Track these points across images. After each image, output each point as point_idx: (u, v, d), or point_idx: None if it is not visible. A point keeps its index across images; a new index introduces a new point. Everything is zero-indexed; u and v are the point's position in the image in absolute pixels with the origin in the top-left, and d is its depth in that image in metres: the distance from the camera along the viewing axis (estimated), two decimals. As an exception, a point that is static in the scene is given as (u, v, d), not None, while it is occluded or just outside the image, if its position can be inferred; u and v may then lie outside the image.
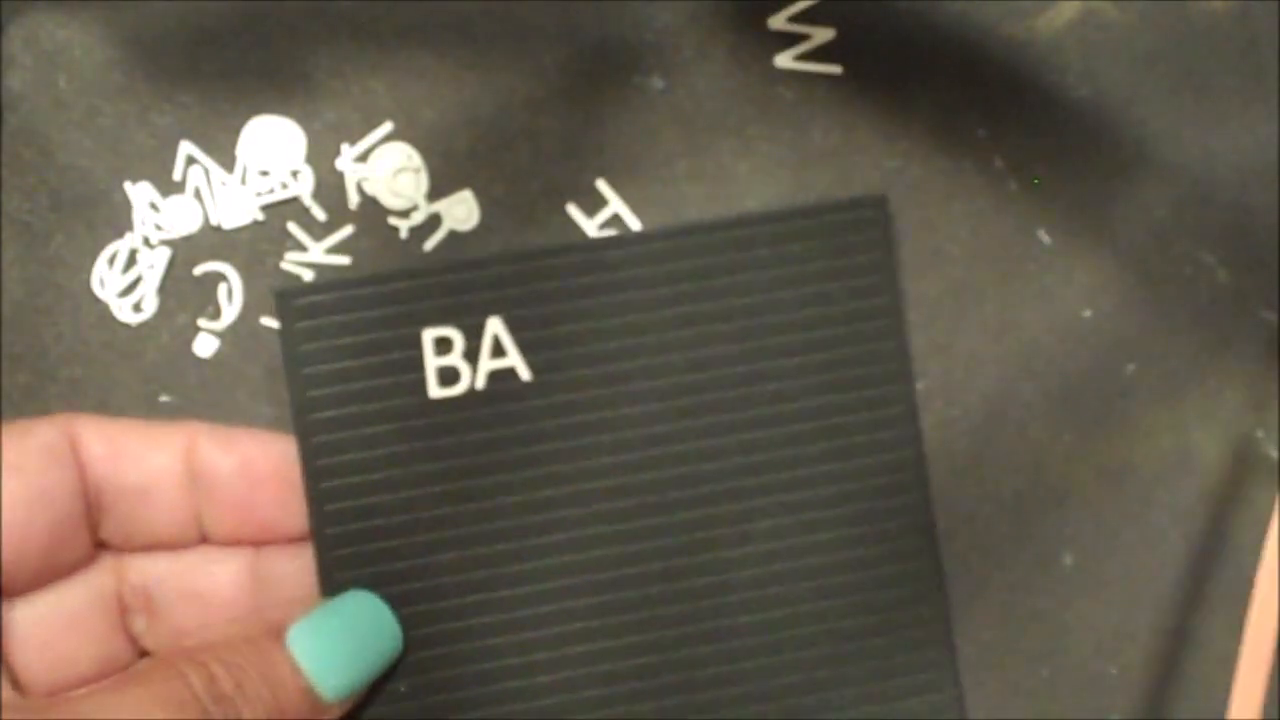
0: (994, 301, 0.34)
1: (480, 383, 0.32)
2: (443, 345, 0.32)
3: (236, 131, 0.34)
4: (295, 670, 0.27)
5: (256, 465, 0.30)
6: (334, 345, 0.31)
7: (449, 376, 0.32)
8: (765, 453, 0.32)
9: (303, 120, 0.34)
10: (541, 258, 0.32)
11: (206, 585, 0.30)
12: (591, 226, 0.34)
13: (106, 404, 0.33)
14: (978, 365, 0.34)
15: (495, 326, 0.32)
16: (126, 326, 0.33)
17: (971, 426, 0.34)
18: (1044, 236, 0.34)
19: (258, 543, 0.30)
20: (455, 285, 0.32)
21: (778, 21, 0.34)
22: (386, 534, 0.31)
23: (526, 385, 0.32)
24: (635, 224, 0.34)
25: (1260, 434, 0.34)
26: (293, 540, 0.30)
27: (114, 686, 0.25)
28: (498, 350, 0.32)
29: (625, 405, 0.32)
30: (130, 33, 0.34)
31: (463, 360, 0.32)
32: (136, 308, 0.34)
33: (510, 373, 0.32)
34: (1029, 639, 0.33)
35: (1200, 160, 0.34)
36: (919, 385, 0.34)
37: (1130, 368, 0.34)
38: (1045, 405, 0.34)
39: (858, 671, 0.32)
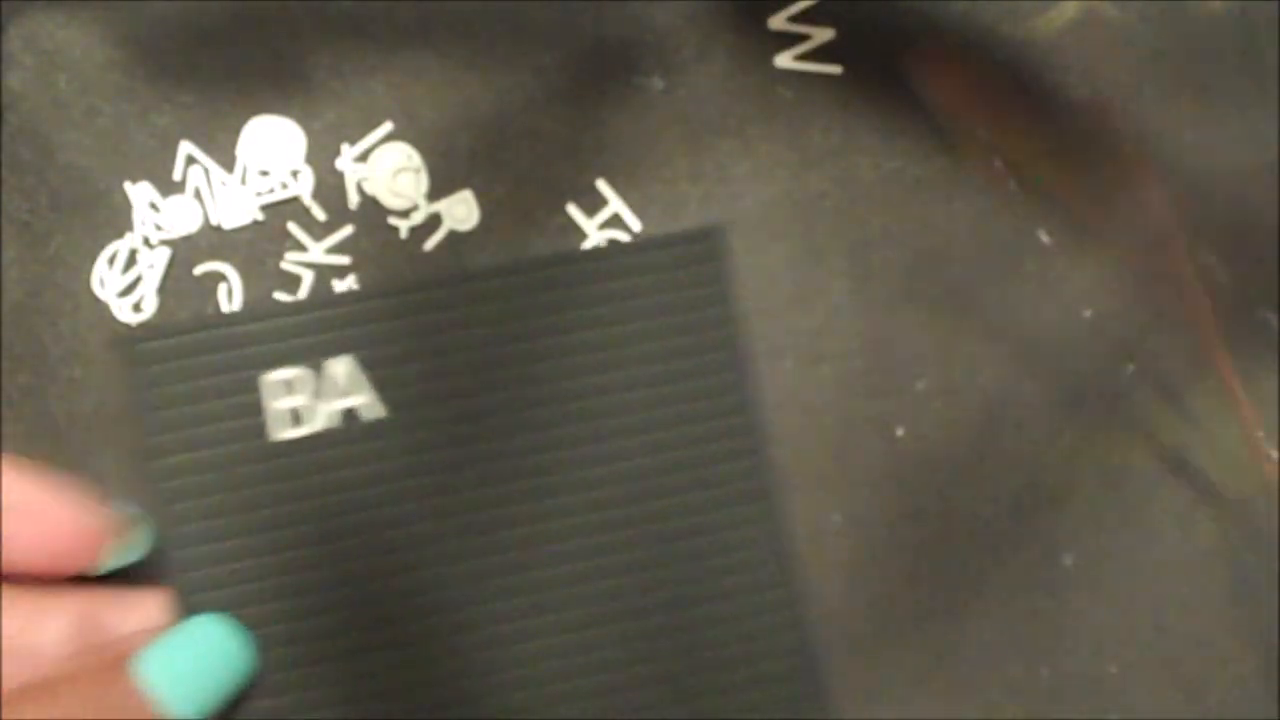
0: (994, 301, 0.34)
1: (332, 421, 0.32)
2: (292, 386, 0.32)
3: (236, 131, 0.34)
4: (144, 698, 0.26)
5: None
6: (180, 390, 0.31)
7: (297, 418, 0.32)
8: (617, 486, 0.32)
9: (303, 120, 0.34)
10: (392, 295, 0.32)
11: (35, 640, 0.28)
12: (591, 226, 0.34)
13: (106, 404, 0.33)
14: (978, 365, 0.34)
15: (346, 365, 0.32)
16: (126, 326, 0.33)
17: (971, 426, 0.34)
18: (1044, 236, 0.34)
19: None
20: (305, 326, 0.32)
21: (778, 21, 0.35)
22: (241, 571, 0.31)
23: (380, 423, 0.32)
24: (635, 224, 0.34)
25: (1260, 434, 0.34)
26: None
27: None
28: (349, 389, 0.32)
29: (480, 442, 0.32)
30: (130, 33, 0.34)
31: (313, 399, 0.32)
32: (136, 308, 0.34)
33: (363, 410, 0.32)
34: (1029, 639, 0.33)
35: (1200, 160, 0.34)
36: (919, 385, 0.34)
37: (1130, 368, 0.34)
38: (1045, 405, 0.34)
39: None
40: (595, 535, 0.32)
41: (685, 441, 0.32)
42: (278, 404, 0.32)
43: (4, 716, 0.24)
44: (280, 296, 0.33)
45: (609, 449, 0.32)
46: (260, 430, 0.32)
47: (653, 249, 0.33)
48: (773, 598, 0.32)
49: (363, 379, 0.32)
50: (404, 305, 0.32)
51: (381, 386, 0.32)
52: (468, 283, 0.32)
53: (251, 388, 0.32)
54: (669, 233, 0.33)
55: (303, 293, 0.34)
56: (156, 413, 0.31)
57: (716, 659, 0.32)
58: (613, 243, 0.33)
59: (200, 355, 0.32)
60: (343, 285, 0.34)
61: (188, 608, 0.31)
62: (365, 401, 0.32)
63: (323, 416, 0.32)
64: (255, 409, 0.32)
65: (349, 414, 0.32)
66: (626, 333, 0.32)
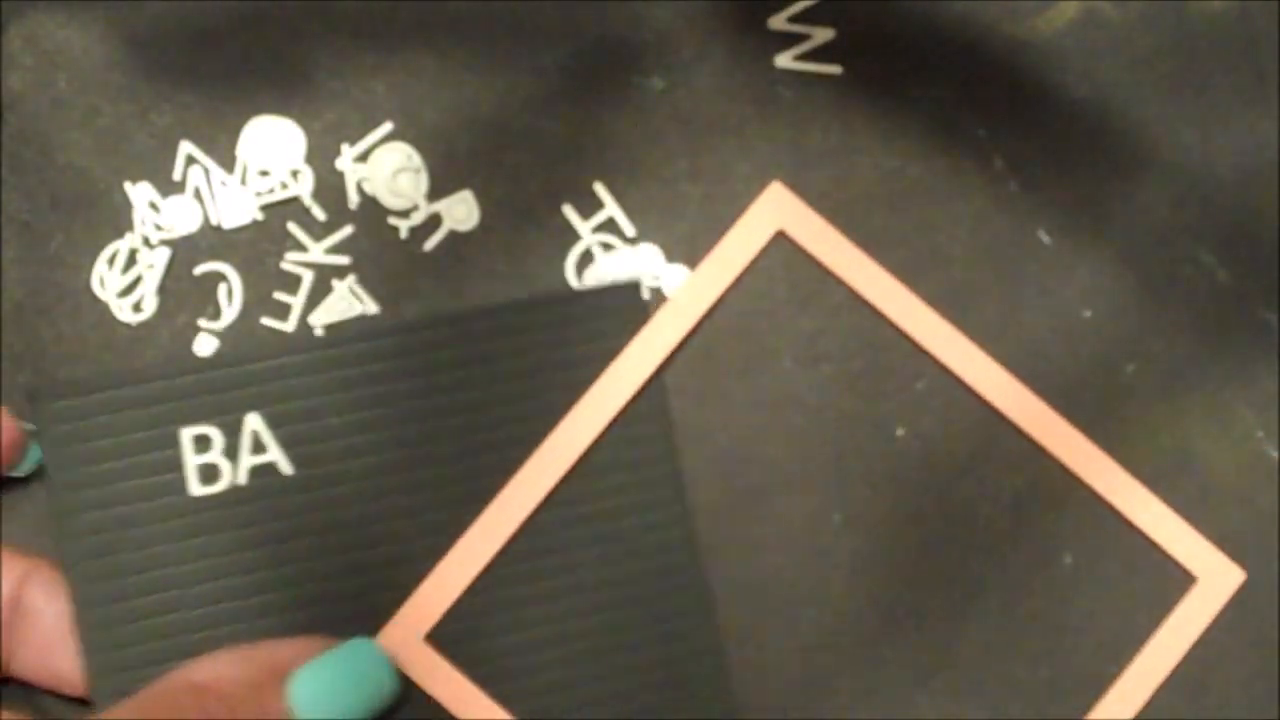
0: (994, 301, 0.34)
1: (241, 479, 0.32)
2: (202, 443, 0.32)
3: (236, 131, 0.34)
4: (291, 714, 0.27)
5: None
6: (93, 448, 0.31)
7: (210, 474, 0.32)
8: (537, 538, 0.32)
9: (303, 120, 0.34)
10: (300, 351, 0.32)
11: None
12: (585, 229, 0.34)
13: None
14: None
15: (254, 423, 0.32)
16: (126, 326, 0.33)
17: (971, 426, 0.34)
18: (1044, 236, 0.34)
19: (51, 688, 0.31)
20: (213, 383, 0.32)
21: (778, 21, 0.35)
22: (156, 628, 0.31)
23: (288, 480, 0.32)
24: (629, 228, 0.34)
25: (1260, 434, 0.34)
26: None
27: (112, 710, 0.25)
28: (258, 446, 0.32)
29: (389, 497, 0.32)
30: (130, 33, 0.34)
31: (223, 458, 0.32)
32: (136, 308, 0.34)
33: (271, 468, 0.32)
34: (1029, 639, 0.33)
35: (1200, 160, 0.34)
36: (919, 385, 0.34)
37: (1130, 368, 0.34)
38: (1045, 405, 0.34)
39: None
40: (499, 590, 0.32)
41: (607, 492, 0.32)
42: (192, 460, 0.32)
43: (164, 687, 0.26)
44: (197, 351, 0.33)
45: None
46: (179, 485, 0.32)
47: (573, 302, 0.33)
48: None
49: (271, 436, 0.32)
50: (312, 362, 0.32)
51: (289, 443, 0.32)
52: (377, 339, 0.32)
53: (170, 443, 0.32)
54: (590, 287, 0.33)
55: (301, 295, 0.34)
56: (69, 470, 0.31)
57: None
58: (532, 296, 0.33)
59: (116, 411, 0.32)
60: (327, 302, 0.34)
61: (102, 664, 0.31)
62: (274, 459, 0.32)
63: (234, 473, 0.32)
64: (174, 464, 0.32)
65: (257, 470, 0.32)
66: (541, 384, 0.32)
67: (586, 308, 0.33)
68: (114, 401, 0.32)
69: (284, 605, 0.31)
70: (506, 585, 0.32)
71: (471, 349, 0.32)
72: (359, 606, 0.32)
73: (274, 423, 0.32)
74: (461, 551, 0.32)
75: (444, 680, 0.31)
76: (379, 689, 0.29)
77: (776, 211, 0.33)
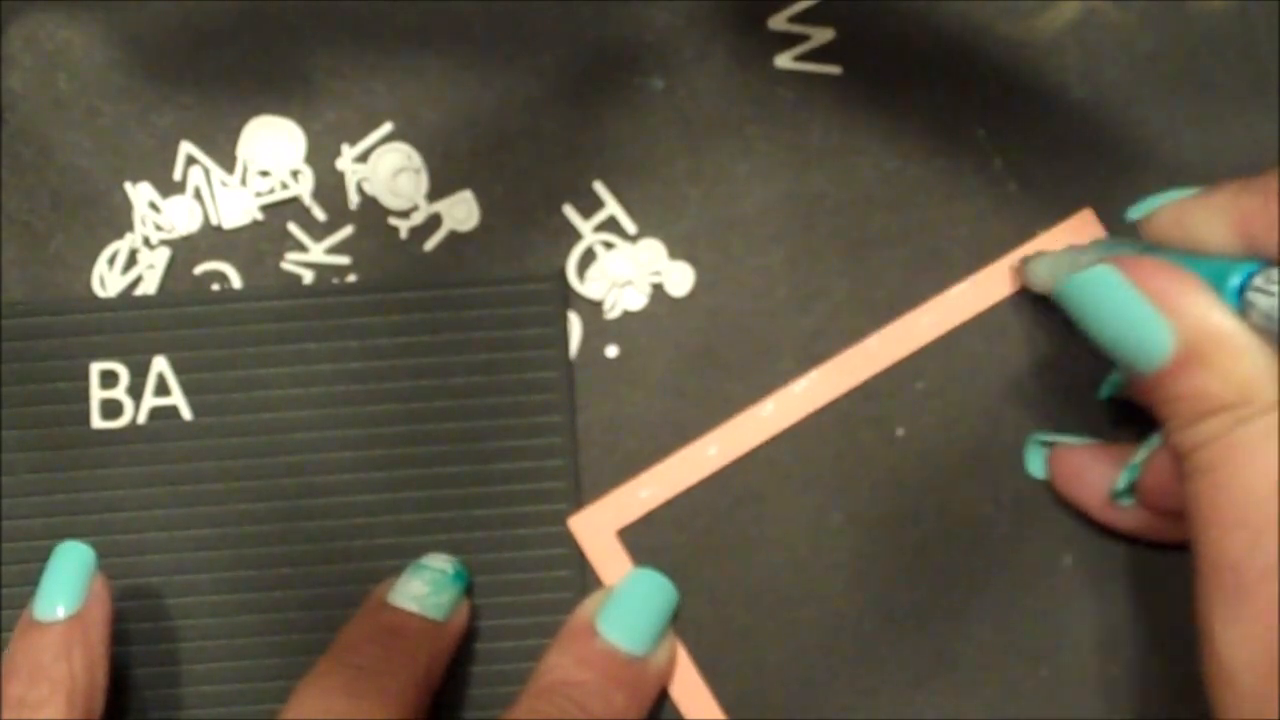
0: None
1: (142, 418, 0.32)
2: (109, 379, 0.32)
3: (236, 131, 0.34)
4: (613, 646, 0.31)
5: None
6: (8, 369, 0.32)
7: (112, 410, 0.32)
8: (423, 513, 0.32)
9: (303, 120, 0.34)
10: (212, 302, 0.33)
11: None
12: (587, 228, 0.34)
13: (106, 404, 0.33)
14: (977, 365, 0.34)
15: (160, 365, 0.32)
16: None
17: (971, 426, 0.34)
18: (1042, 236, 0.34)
19: None
20: (126, 322, 0.33)
21: (778, 21, 0.35)
22: (42, 551, 0.31)
23: (187, 425, 0.32)
24: (631, 226, 0.34)
25: (1260, 434, 0.34)
26: None
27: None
28: (161, 388, 0.32)
29: (283, 454, 0.32)
30: (130, 33, 0.34)
31: (126, 395, 0.32)
32: (136, 308, 0.34)
33: (172, 411, 0.32)
34: (1029, 639, 0.33)
35: (1200, 160, 0.34)
36: (919, 385, 0.34)
37: (1130, 368, 0.34)
38: (1045, 405, 0.34)
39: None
40: (386, 559, 0.32)
41: (497, 478, 0.33)
42: (98, 394, 0.32)
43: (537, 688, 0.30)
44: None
45: (417, 474, 0.33)
46: (83, 416, 0.32)
47: (491, 287, 0.33)
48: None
49: (175, 380, 0.32)
50: (226, 314, 0.33)
51: (191, 390, 0.32)
52: (293, 299, 0.33)
53: (80, 375, 0.32)
54: (512, 273, 0.33)
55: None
56: None
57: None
58: (452, 277, 0.33)
59: (31, 338, 0.33)
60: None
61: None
62: (175, 403, 0.32)
63: (135, 412, 0.32)
64: (81, 396, 0.32)
65: (158, 412, 0.32)
66: (449, 364, 0.33)
67: (503, 294, 0.33)
68: (28, 328, 0.33)
69: (172, 545, 0.32)
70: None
71: (383, 322, 0.33)
72: (245, 553, 0.32)
73: (180, 368, 0.33)
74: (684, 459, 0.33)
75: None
76: (666, 597, 0.32)
77: (1080, 239, 0.33)
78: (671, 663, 0.32)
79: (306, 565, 0.32)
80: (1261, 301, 0.24)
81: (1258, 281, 0.24)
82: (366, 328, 0.33)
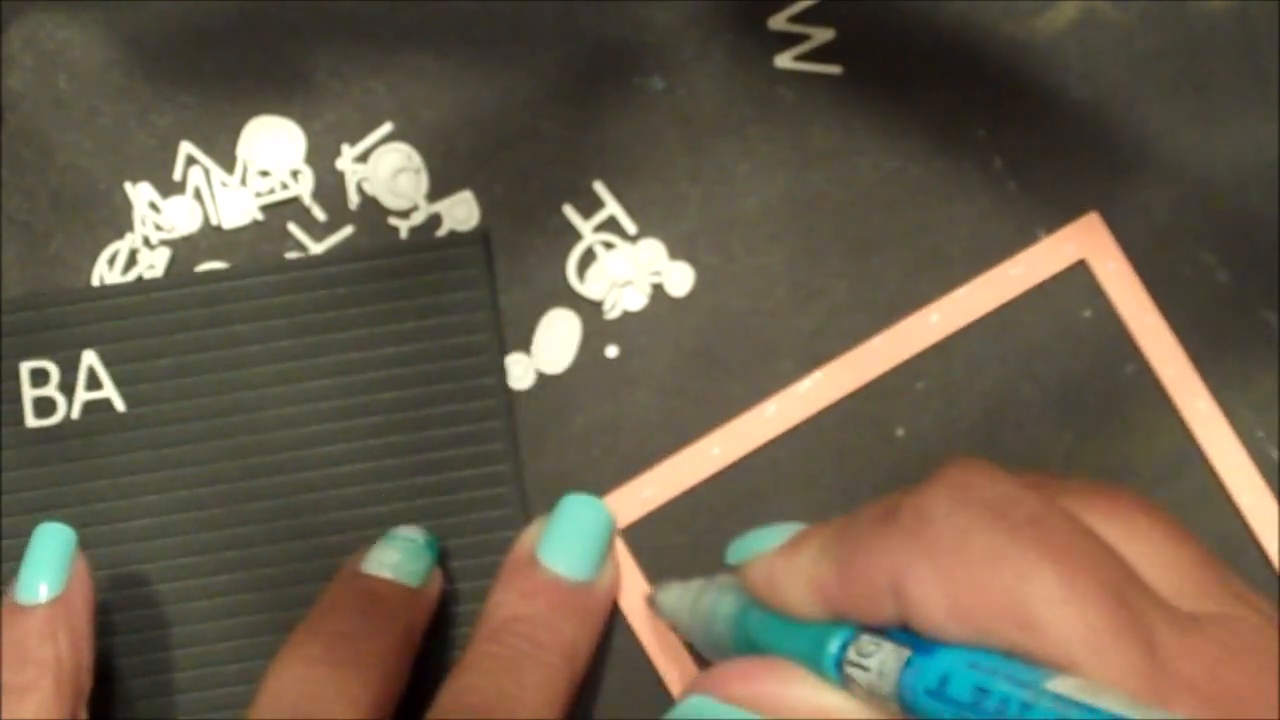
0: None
1: (75, 414, 0.32)
2: (39, 377, 0.32)
3: (236, 131, 0.34)
4: (555, 575, 0.31)
5: None
6: None
7: (45, 407, 0.32)
8: (362, 485, 0.33)
9: (303, 120, 0.34)
10: (136, 292, 0.33)
11: None
12: (587, 228, 0.34)
13: (106, 404, 0.33)
14: (978, 365, 0.34)
15: (90, 359, 0.33)
16: None
17: (971, 426, 0.34)
18: (1044, 236, 0.34)
19: None
20: (52, 319, 0.33)
21: (778, 21, 0.35)
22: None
23: (121, 416, 0.32)
24: (631, 226, 0.34)
25: (1260, 434, 0.34)
26: None
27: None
28: (93, 382, 0.33)
29: (219, 438, 0.32)
30: (130, 33, 0.34)
31: (58, 392, 0.32)
32: (136, 308, 0.34)
33: (105, 404, 0.32)
34: (1029, 639, 0.33)
35: (1200, 160, 0.34)
36: (919, 385, 0.34)
37: (1130, 368, 0.34)
38: (1045, 405, 0.34)
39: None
40: (332, 534, 0.33)
41: (433, 444, 0.33)
42: (29, 393, 0.32)
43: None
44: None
45: (354, 447, 0.33)
46: (16, 416, 0.32)
47: (413, 252, 0.33)
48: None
49: (106, 374, 0.32)
50: (151, 303, 0.33)
51: (124, 381, 0.33)
52: (216, 283, 0.33)
53: (10, 376, 0.33)
54: (433, 238, 0.33)
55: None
56: None
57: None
58: (370, 248, 0.33)
59: None
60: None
61: None
62: (108, 395, 0.32)
63: (69, 408, 0.32)
64: (13, 396, 0.32)
65: (91, 406, 0.32)
66: (379, 334, 0.33)
67: (425, 260, 0.33)
68: None
69: (115, 537, 0.32)
70: None
71: (307, 297, 0.33)
72: (191, 539, 0.32)
73: (110, 360, 0.33)
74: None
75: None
76: (602, 522, 0.32)
77: (1084, 243, 0.33)
78: (616, 585, 0.32)
79: (256, 546, 0.32)
80: (860, 677, 0.22)
81: (850, 655, 0.23)
82: (293, 305, 0.33)
